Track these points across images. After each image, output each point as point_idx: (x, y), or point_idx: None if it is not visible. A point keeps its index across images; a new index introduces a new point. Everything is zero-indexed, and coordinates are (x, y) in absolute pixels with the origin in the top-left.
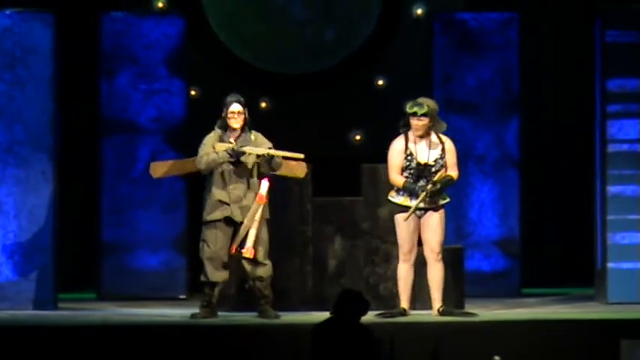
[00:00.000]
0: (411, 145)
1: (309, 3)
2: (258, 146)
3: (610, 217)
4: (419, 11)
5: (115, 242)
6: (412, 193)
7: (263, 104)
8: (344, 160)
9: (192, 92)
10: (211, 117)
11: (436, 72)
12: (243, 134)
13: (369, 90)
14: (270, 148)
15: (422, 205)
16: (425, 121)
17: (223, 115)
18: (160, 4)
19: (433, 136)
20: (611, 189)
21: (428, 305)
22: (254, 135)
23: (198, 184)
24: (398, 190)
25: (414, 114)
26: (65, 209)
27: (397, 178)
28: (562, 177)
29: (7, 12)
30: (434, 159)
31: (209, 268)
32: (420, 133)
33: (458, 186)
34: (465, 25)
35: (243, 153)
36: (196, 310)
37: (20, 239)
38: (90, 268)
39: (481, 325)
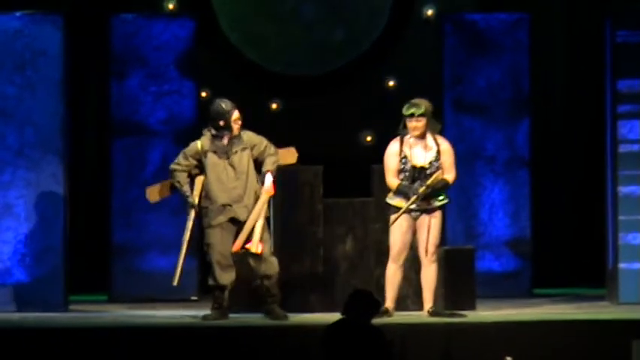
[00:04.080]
0: (405, 147)
1: (319, 4)
2: (251, 144)
3: (621, 218)
4: (429, 12)
5: (126, 244)
6: (407, 196)
7: (274, 105)
8: (354, 161)
9: (203, 94)
10: None
11: (446, 73)
12: (235, 136)
13: (379, 91)
14: (262, 146)
15: (414, 207)
16: (423, 121)
17: (223, 123)
18: (171, 6)
19: (429, 139)
20: (622, 189)
21: (437, 307)
22: (244, 135)
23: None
24: (395, 192)
25: (412, 115)
26: (76, 212)
27: (392, 180)
28: (573, 177)
29: (17, 14)
30: (429, 161)
31: (217, 271)
32: (417, 133)
33: (468, 186)
34: (474, 25)
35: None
36: (207, 312)
37: (31, 242)
38: (100, 270)
39: (492, 326)
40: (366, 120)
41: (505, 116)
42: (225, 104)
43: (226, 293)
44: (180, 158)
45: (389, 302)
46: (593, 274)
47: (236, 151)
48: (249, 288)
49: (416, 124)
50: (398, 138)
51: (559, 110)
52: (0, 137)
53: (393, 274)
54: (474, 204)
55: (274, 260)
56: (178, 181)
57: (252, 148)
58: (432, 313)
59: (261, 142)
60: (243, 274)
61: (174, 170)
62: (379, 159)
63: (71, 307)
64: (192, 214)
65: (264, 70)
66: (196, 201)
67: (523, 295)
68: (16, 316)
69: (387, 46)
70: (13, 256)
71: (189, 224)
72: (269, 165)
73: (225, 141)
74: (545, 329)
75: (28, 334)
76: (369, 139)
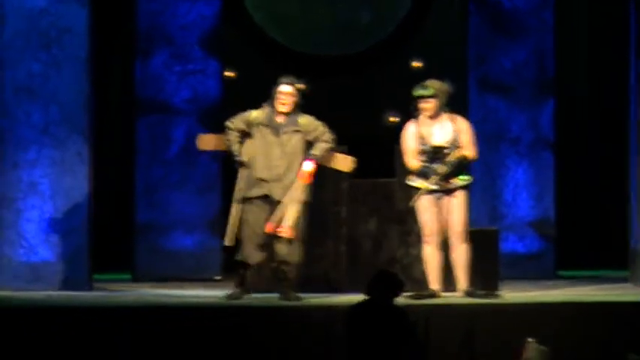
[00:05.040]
0: (422, 128)
1: None
2: (306, 129)
3: None
4: None
5: (150, 223)
6: (427, 176)
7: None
8: (379, 141)
9: (227, 73)
10: (246, 98)
11: (471, 53)
12: (291, 117)
13: (404, 71)
14: (318, 133)
15: (436, 187)
16: (432, 103)
17: (273, 94)
18: None
19: (445, 117)
20: None
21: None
22: (302, 118)
23: (232, 166)
24: (416, 174)
25: (421, 97)
26: (100, 190)
27: (412, 162)
28: (597, 158)
29: None
30: (447, 140)
31: (247, 248)
32: (428, 114)
33: (492, 167)
34: (499, 6)
35: (242, 164)
36: (230, 291)
37: (56, 220)
38: (125, 249)
39: (515, 307)
40: (391, 100)
41: (529, 97)
42: (284, 77)
43: (249, 272)
44: (235, 119)
45: (434, 284)
46: (616, 256)
47: (287, 132)
48: (270, 268)
49: (425, 106)
50: (414, 120)
51: (584, 91)
52: (25, 115)
53: (431, 256)
54: (497, 185)
55: (298, 249)
56: (229, 139)
57: (306, 133)
58: (466, 294)
59: (317, 128)
60: (268, 254)
61: (228, 127)
62: None
63: (95, 285)
64: (241, 172)
65: (289, 50)
66: (245, 159)
67: (547, 277)
68: (41, 294)
69: (412, 26)
70: (37, 235)
71: (239, 184)
72: (316, 150)
73: (281, 119)
74: (569, 311)
75: (52, 313)
76: (393, 119)
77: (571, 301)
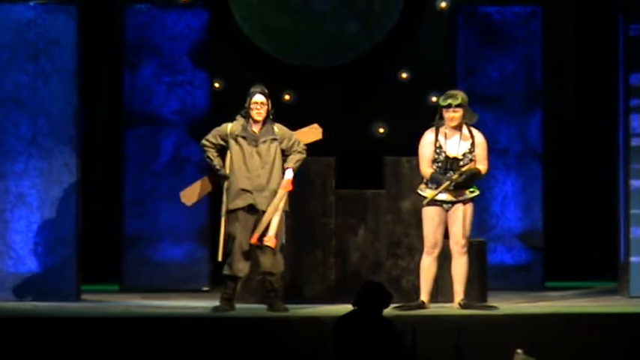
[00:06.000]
0: (441, 138)
1: None
2: (282, 137)
3: (633, 211)
4: (442, 4)
5: (138, 234)
6: (439, 185)
7: (286, 97)
8: (367, 153)
9: (216, 84)
10: (235, 109)
11: (459, 65)
12: (266, 126)
13: (392, 83)
14: (291, 142)
15: (448, 197)
16: (460, 112)
17: (247, 105)
18: None
19: (464, 130)
20: (635, 183)
21: (450, 298)
22: (277, 127)
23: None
24: (427, 183)
25: (449, 106)
26: (88, 201)
27: (426, 169)
28: (585, 170)
29: (31, 4)
30: (463, 153)
31: (236, 262)
32: (455, 124)
33: (481, 179)
34: (488, 18)
35: (226, 177)
36: (217, 304)
37: (43, 231)
38: (113, 260)
39: (504, 319)
40: (379, 112)
41: (518, 108)
42: (254, 87)
43: (239, 285)
44: (210, 136)
45: (424, 295)
46: (604, 268)
47: (265, 141)
48: (256, 279)
49: (453, 115)
50: (433, 128)
51: (571, 103)
52: (13, 126)
53: (427, 267)
54: (486, 197)
55: (281, 258)
56: (208, 156)
57: (281, 142)
58: (463, 306)
59: (290, 137)
60: (253, 266)
61: (204, 145)
62: (391, 151)
63: (83, 296)
64: (226, 185)
65: (277, 61)
66: (227, 172)
67: (535, 288)
68: (28, 305)
69: (400, 37)
70: (25, 246)
71: (225, 198)
72: (291, 162)
73: (256, 129)
74: (557, 322)
75: (40, 324)
76: (381, 130)
77: (559, 313)
